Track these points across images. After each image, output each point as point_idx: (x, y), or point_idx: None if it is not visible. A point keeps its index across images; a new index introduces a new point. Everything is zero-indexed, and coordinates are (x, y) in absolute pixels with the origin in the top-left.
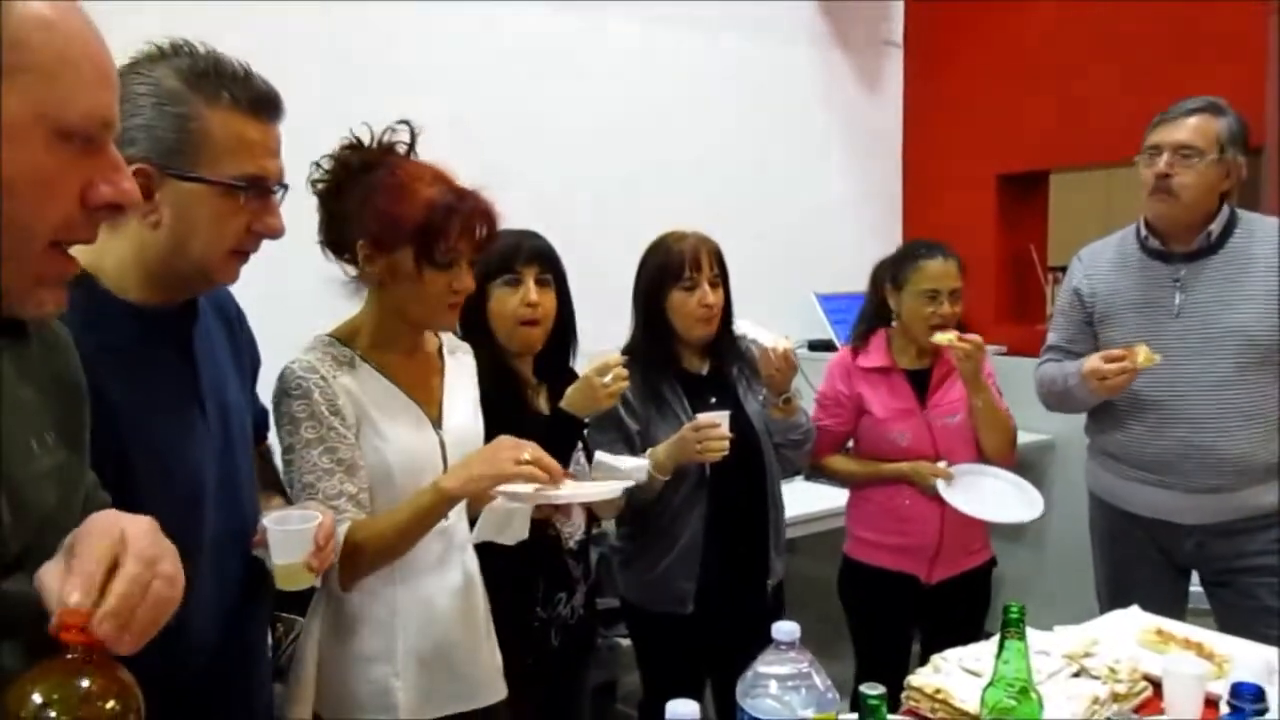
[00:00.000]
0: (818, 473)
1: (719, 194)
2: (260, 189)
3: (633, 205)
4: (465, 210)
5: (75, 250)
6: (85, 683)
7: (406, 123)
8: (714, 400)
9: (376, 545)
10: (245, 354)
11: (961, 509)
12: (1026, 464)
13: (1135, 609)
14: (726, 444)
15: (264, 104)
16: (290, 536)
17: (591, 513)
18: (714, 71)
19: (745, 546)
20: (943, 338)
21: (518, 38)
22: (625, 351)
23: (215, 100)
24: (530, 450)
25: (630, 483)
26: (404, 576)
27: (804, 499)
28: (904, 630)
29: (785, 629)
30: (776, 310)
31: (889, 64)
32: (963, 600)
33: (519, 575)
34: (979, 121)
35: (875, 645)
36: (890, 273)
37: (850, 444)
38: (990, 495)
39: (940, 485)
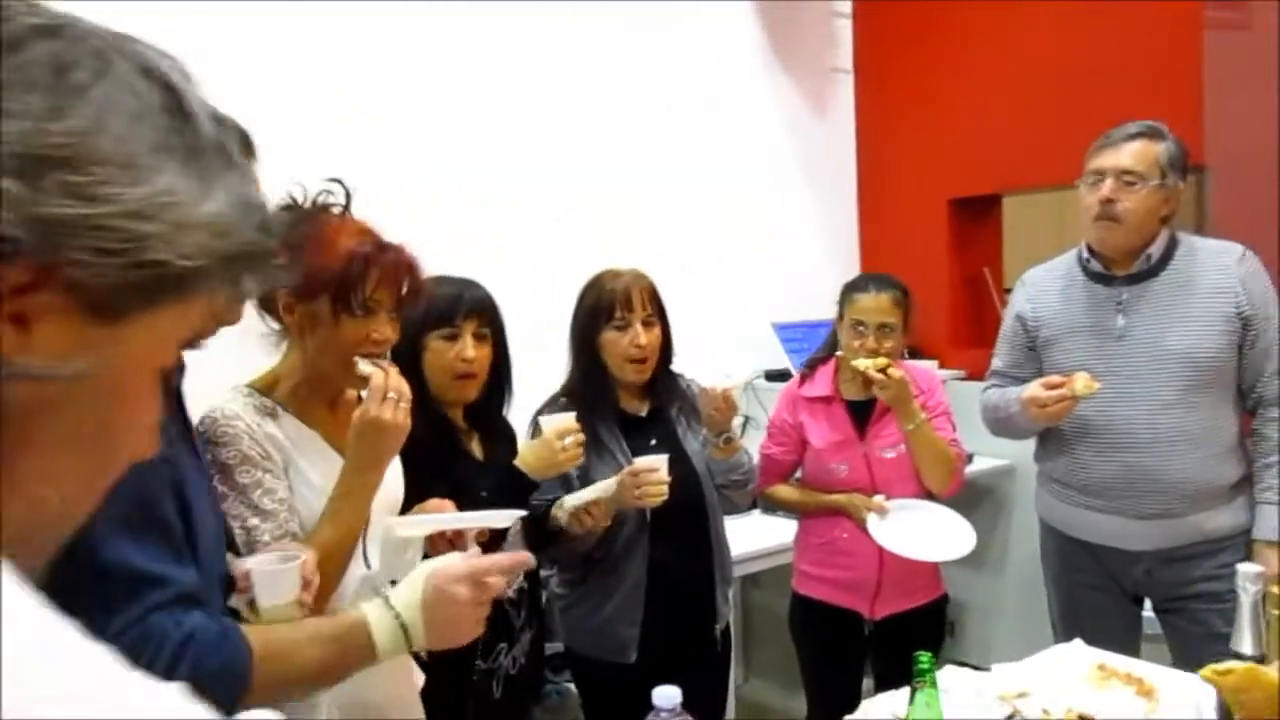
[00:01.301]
0: (763, 501)
1: (676, 225)
2: None
3: (585, 240)
4: (386, 261)
5: None
6: None
7: (339, 181)
8: (654, 442)
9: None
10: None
11: (885, 545)
12: (985, 489)
13: (1078, 643)
14: (665, 489)
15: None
16: (279, 576)
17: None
18: (661, 102)
19: (690, 591)
20: (861, 364)
21: (457, 72)
22: (562, 394)
23: None
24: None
25: (522, 513)
26: None
27: (762, 532)
28: (852, 667)
29: (665, 694)
30: (737, 341)
31: (839, 90)
32: (912, 638)
33: None
34: (930, 146)
35: (824, 682)
36: (838, 303)
37: (799, 474)
38: (920, 531)
39: (871, 520)
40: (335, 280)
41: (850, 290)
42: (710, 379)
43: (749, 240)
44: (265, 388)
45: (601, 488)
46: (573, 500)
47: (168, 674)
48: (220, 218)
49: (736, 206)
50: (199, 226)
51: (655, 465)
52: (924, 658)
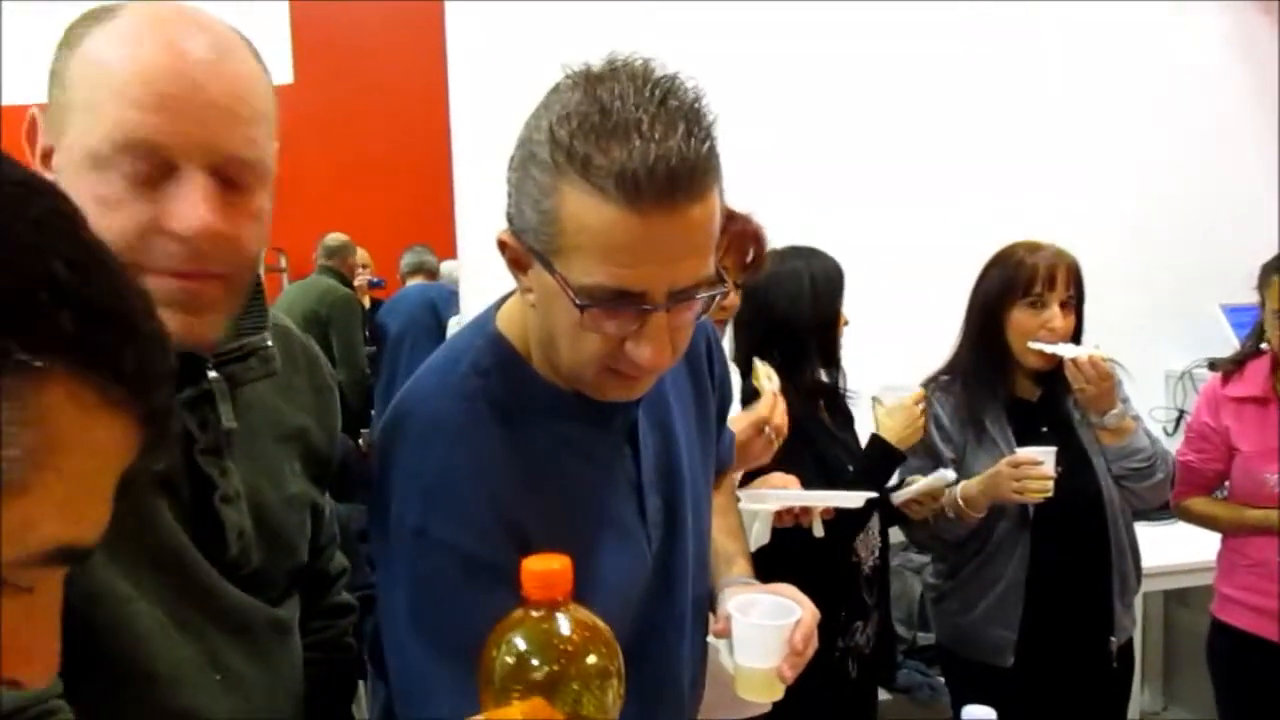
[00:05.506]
0: (1180, 515)
1: (1102, 194)
2: (620, 305)
3: (995, 211)
4: (730, 231)
5: (513, 317)
6: (565, 631)
7: None
8: (1045, 430)
9: None
10: (715, 393)
11: None
12: None
13: None
14: (1050, 485)
15: (650, 186)
16: (760, 633)
17: (885, 537)
18: (1099, 54)
19: (1080, 597)
20: None
21: (849, 32)
22: (947, 370)
23: (577, 173)
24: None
25: (871, 494)
26: None
27: (1189, 542)
28: None
29: (975, 715)
30: (1172, 324)
31: None
32: None
33: (820, 604)
34: None
35: None
36: (1258, 287)
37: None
38: None
39: None
40: None
41: (1270, 272)
42: (1071, 349)
43: (1198, 209)
44: None
45: (930, 481)
46: (900, 496)
47: None
48: None
49: (1185, 169)
50: None
51: (1039, 458)
52: None
